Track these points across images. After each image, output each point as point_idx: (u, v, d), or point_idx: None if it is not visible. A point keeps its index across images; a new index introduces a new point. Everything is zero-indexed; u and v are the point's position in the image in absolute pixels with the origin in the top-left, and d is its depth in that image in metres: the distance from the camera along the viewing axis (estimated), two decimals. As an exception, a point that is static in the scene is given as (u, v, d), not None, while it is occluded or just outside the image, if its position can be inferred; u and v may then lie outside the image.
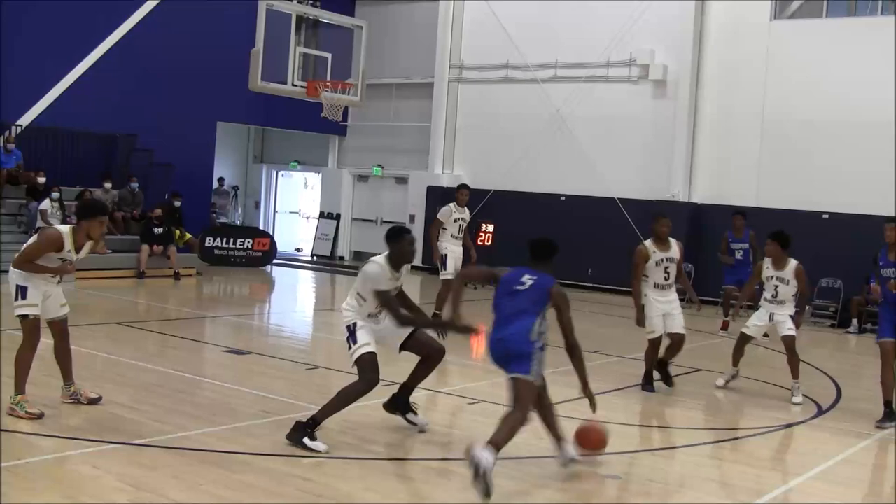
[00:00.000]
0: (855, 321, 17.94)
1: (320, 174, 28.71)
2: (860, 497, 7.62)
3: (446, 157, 25.61)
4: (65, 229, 8.14)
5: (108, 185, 20.48)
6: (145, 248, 19.52)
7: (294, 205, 30.18)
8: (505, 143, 24.36)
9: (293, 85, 18.14)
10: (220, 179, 27.83)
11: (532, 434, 8.61)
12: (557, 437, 7.50)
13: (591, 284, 21.81)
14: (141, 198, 21.03)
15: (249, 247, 23.13)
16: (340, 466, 7.35)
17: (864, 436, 9.33)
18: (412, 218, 25.61)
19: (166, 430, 7.84)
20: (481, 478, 6.38)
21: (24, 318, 8.10)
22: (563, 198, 22.13)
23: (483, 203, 24.09)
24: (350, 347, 8.16)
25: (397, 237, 8.45)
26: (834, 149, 19.93)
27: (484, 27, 24.83)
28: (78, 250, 8.16)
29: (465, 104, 25.45)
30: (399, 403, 8.72)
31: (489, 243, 23.90)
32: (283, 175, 30.27)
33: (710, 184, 21.57)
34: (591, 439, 7.83)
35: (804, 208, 19.67)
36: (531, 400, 7.21)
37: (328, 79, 18.52)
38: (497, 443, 6.73)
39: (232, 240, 23.14)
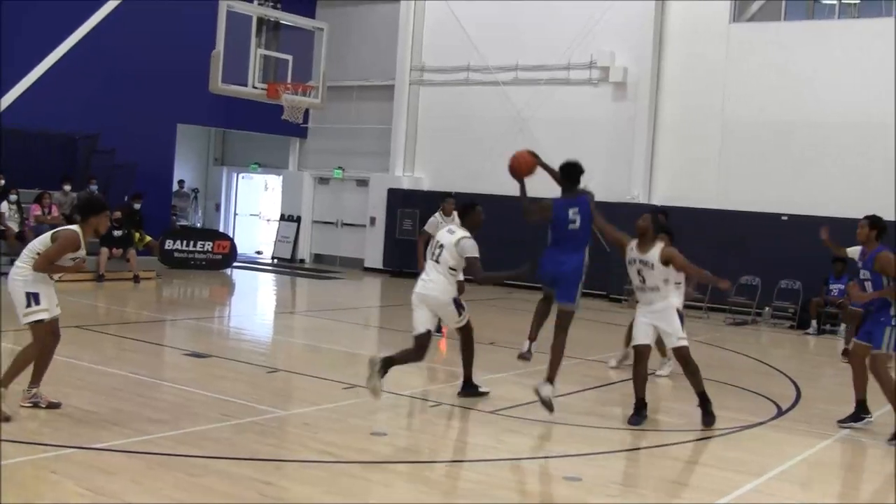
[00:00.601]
0: (814, 322, 18.13)
1: (281, 176, 28.59)
2: (821, 497, 7.68)
3: (407, 160, 25.60)
4: (76, 228, 8.31)
5: (67, 187, 20.27)
6: (104, 250, 19.31)
7: (254, 207, 30.03)
8: (466, 146, 24.39)
9: (254, 87, 18.06)
10: (181, 182, 27.62)
11: (492, 437, 8.63)
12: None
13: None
14: (100, 200, 20.78)
15: (210, 249, 22.96)
16: (301, 470, 7.31)
17: (824, 436, 9.41)
18: (373, 220, 25.58)
19: (126, 434, 7.75)
20: (548, 404, 9.16)
21: (39, 322, 8.22)
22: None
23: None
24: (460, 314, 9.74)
25: (472, 209, 10.07)
26: (793, 151, 20.15)
27: (445, 29, 24.85)
28: (85, 248, 8.38)
29: (426, 106, 25.45)
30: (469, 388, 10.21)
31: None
32: (243, 177, 30.11)
33: (671, 185, 21.71)
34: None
35: (764, 210, 19.86)
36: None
37: (289, 81, 18.46)
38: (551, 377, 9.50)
39: (192, 242, 22.95)
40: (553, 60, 23.03)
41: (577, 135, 22.73)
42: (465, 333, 10.08)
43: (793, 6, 21.24)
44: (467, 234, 9.65)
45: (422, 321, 9.67)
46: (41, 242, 8.36)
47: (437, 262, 9.69)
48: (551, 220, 9.86)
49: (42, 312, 8.22)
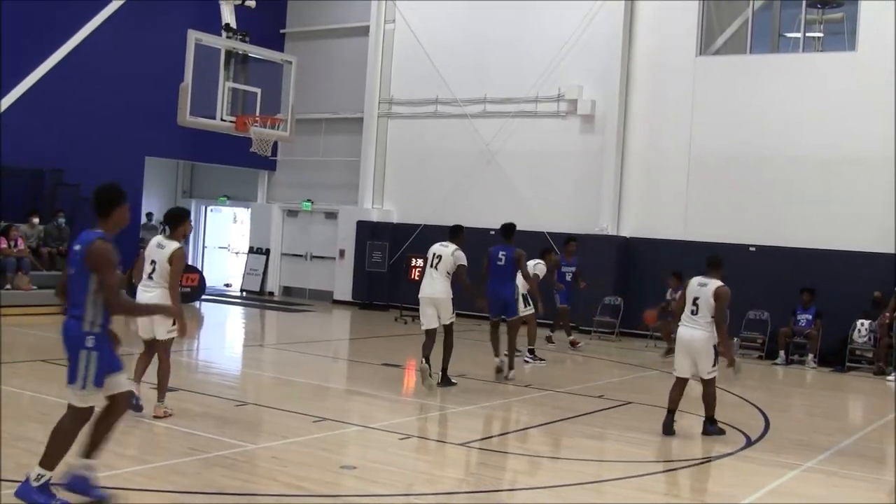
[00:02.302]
0: (782, 353, 18.21)
1: (249, 209, 28.51)
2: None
3: (376, 192, 25.61)
4: (177, 243, 9.95)
5: (35, 220, 20.11)
6: (70, 284, 19.11)
7: (223, 240, 29.90)
8: (435, 178, 24.44)
9: (222, 120, 17.99)
10: (149, 214, 27.47)
11: (462, 470, 8.59)
12: None
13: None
14: (68, 233, 20.63)
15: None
16: (271, 503, 7.25)
17: (792, 466, 9.44)
18: (342, 253, 25.53)
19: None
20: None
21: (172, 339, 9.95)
22: (492, 232, 22.13)
23: (413, 238, 24.12)
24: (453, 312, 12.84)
25: (461, 229, 13.40)
26: (760, 182, 20.29)
27: (413, 62, 24.96)
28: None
29: (394, 139, 25.51)
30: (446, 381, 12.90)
31: (419, 278, 23.85)
32: (211, 210, 30.00)
33: (639, 217, 21.81)
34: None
35: (731, 241, 19.98)
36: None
37: (257, 114, 18.41)
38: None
39: (160, 275, 22.76)
40: (521, 93, 23.17)
41: (546, 167, 22.87)
42: (449, 332, 12.86)
43: (758, 39, 21.49)
44: (457, 247, 13.06)
45: (430, 318, 12.81)
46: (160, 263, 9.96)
47: (436, 269, 12.96)
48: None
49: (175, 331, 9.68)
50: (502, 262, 13.72)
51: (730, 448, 10.08)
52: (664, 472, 9.05)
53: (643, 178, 21.87)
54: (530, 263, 15.38)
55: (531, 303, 15.28)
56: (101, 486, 6.77)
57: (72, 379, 6.57)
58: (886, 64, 19.12)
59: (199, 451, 8.56)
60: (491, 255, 13.86)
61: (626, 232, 21.84)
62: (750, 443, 10.49)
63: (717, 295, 10.40)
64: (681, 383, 10.73)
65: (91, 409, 6.66)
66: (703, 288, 10.55)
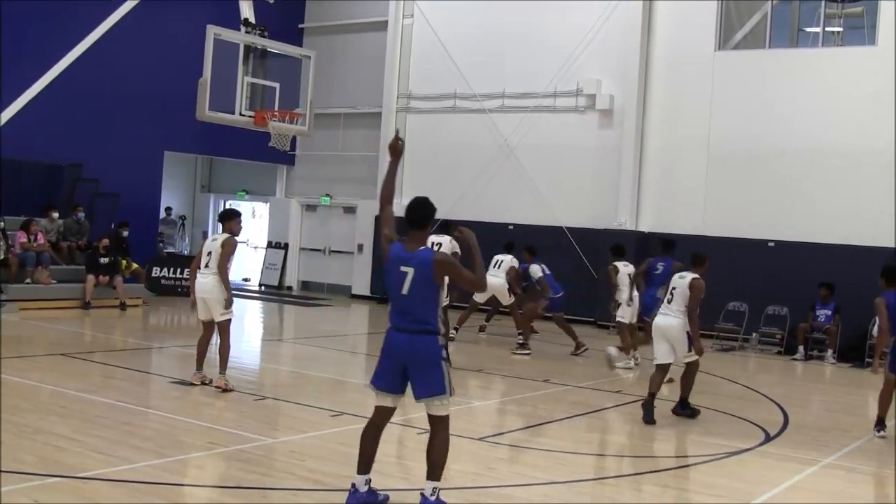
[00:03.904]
0: (801, 348, 18.15)
1: (268, 204, 28.58)
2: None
3: (396, 186, 25.57)
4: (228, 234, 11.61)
5: (54, 214, 20.23)
6: (91, 278, 19.25)
7: (242, 234, 29.80)
8: (453, 173, 24.42)
9: (241, 115, 18.02)
10: (168, 209, 27.60)
11: (479, 464, 8.60)
12: None
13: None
14: (87, 227, 20.77)
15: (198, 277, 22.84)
16: (288, 498, 7.26)
17: (811, 462, 9.40)
18: (360, 248, 25.58)
19: (111, 463, 7.69)
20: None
21: (228, 321, 11.42)
22: (511, 227, 22.20)
23: (431, 232, 24.06)
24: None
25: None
26: (779, 177, 20.19)
27: (432, 57, 24.95)
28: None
29: (412, 133, 25.49)
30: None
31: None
32: (230, 204, 30.07)
33: (658, 212, 21.75)
34: None
35: (750, 236, 19.91)
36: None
37: (276, 108, 18.44)
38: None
39: (179, 269, 22.89)
40: (539, 88, 23.13)
41: (564, 162, 22.82)
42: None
43: (777, 34, 21.37)
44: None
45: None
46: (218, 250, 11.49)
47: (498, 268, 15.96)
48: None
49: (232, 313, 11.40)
50: (659, 272, 14.53)
51: (748, 444, 10.05)
52: (681, 467, 9.03)
53: (661, 173, 21.80)
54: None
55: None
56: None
57: (439, 389, 6.83)
58: (907, 58, 19.01)
59: (218, 445, 8.60)
60: (651, 264, 14.87)
61: (644, 227, 21.77)
62: (769, 438, 10.45)
63: (692, 286, 10.98)
64: (661, 370, 11.19)
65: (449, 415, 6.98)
66: (682, 280, 11.18)
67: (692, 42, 21.45)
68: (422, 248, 6.93)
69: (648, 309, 14.22)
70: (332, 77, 25.30)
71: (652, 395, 10.95)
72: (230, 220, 11.79)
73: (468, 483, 7.96)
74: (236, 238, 11.72)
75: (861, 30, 20.52)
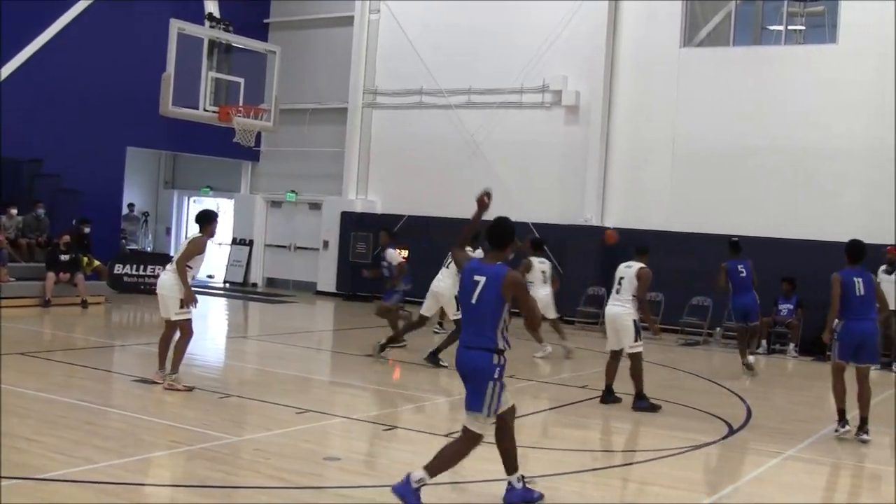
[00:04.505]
0: (764, 342, 18.28)
1: (233, 200, 28.38)
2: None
3: (360, 183, 25.54)
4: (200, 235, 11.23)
5: (13, 210, 19.97)
6: (51, 275, 19.03)
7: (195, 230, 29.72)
8: (419, 169, 24.39)
9: (205, 110, 17.91)
10: (130, 205, 27.35)
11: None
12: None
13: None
14: (47, 224, 20.52)
15: (160, 274, 22.61)
16: (253, 496, 7.21)
17: (773, 454, 9.48)
18: (326, 244, 25.48)
19: (72, 464, 7.59)
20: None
21: (187, 320, 11.14)
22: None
23: (397, 228, 24.06)
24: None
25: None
26: (742, 173, 20.36)
27: (398, 53, 24.89)
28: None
29: (379, 129, 25.44)
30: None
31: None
32: (194, 201, 29.83)
33: (624, 208, 21.84)
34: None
35: (714, 231, 20.02)
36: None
37: (241, 104, 18.34)
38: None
39: (142, 267, 22.71)
40: (506, 84, 23.14)
41: (531, 158, 22.85)
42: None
43: (741, 32, 21.54)
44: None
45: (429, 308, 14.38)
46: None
47: (447, 267, 14.11)
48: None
49: (190, 313, 11.20)
50: (744, 275, 15.15)
51: (712, 437, 10.10)
52: (647, 461, 9.06)
53: (627, 169, 21.89)
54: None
55: None
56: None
57: (477, 406, 6.84)
58: (867, 56, 19.28)
59: (181, 443, 8.52)
60: (730, 268, 15.28)
61: (610, 222, 21.80)
62: (732, 432, 10.51)
63: (639, 276, 11.42)
64: (614, 357, 11.59)
65: (482, 436, 6.96)
66: (628, 269, 11.58)
67: (657, 39, 21.56)
68: (499, 263, 7.05)
69: (754, 312, 15.13)
70: (298, 72, 25.16)
71: (608, 385, 11.49)
72: (209, 222, 11.49)
73: (435, 479, 7.93)
74: (204, 238, 11.39)
75: (823, 28, 20.76)
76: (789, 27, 21.15)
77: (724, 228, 20.06)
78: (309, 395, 11.93)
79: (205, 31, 17.63)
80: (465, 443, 6.97)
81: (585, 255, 21.06)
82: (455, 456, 6.99)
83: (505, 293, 6.82)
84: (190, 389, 10.87)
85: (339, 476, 7.95)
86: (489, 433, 7.01)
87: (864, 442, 10.06)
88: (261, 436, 9.10)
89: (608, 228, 17.72)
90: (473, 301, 6.91)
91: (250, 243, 27.46)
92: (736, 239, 16.05)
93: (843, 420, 10.24)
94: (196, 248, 11.25)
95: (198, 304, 11.43)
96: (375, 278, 16.45)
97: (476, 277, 6.94)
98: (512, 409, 7.20)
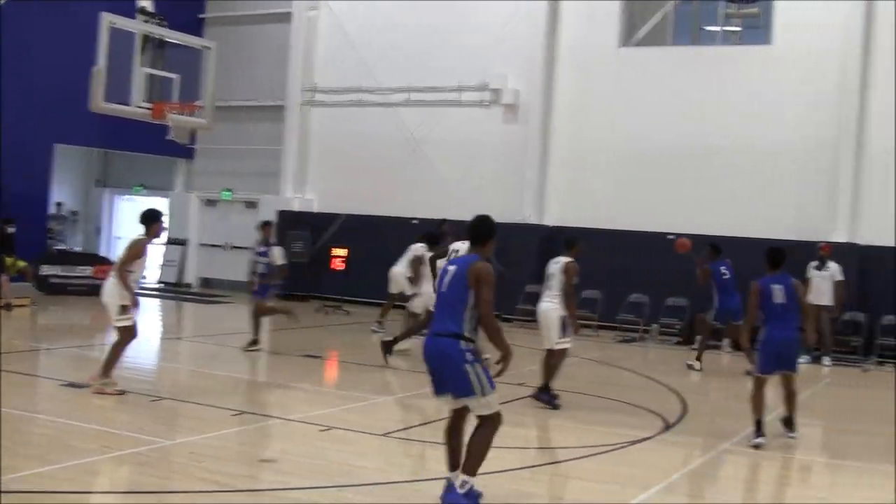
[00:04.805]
0: (699, 338, 18.40)
1: (167, 199, 27.92)
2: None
3: (298, 182, 25.31)
4: (142, 237, 10.96)
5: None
6: (-26, 277, 18.50)
7: (139, 230, 29.21)
8: (358, 167, 24.24)
9: (138, 107, 17.60)
10: (59, 204, 26.80)
11: (382, 460, 8.49)
12: None
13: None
14: (-28, 223, 19.98)
15: (90, 274, 22.21)
16: (187, 500, 7.06)
17: (708, 448, 9.58)
18: (263, 243, 25.18)
19: (-3, 471, 7.35)
20: None
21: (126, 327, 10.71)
22: (415, 221, 22.06)
23: (335, 227, 23.93)
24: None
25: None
26: (680, 172, 20.54)
27: (337, 50, 24.71)
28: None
29: (317, 127, 25.22)
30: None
31: (342, 268, 23.72)
32: (126, 200, 29.33)
33: (563, 206, 21.89)
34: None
35: (651, 229, 20.17)
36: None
37: (175, 100, 18.06)
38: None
39: (70, 267, 22.23)
40: (446, 82, 23.07)
41: (470, 156, 22.82)
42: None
43: (679, 32, 21.77)
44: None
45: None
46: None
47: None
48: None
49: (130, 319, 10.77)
50: (727, 276, 15.64)
51: (649, 432, 10.16)
52: (584, 457, 9.05)
53: (567, 168, 21.97)
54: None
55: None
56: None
57: (467, 391, 6.85)
58: (801, 57, 19.57)
59: (112, 448, 8.32)
60: (714, 271, 15.76)
61: (549, 221, 21.89)
62: (668, 426, 10.60)
63: (565, 269, 11.38)
64: (549, 354, 11.52)
65: (500, 413, 7.01)
66: (556, 265, 11.59)
67: (596, 38, 21.68)
68: (473, 255, 7.13)
69: (739, 313, 14.76)
70: (234, 69, 24.85)
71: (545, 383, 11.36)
72: (153, 222, 11.20)
73: (373, 479, 7.86)
74: (146, 240, 11.09)
75: (758, 29, 21.05)
76: (726, 28, 21.45)
77: (662, 227, 20.26)
78: (244, 396, 11.77)
79: (137, 26, 17.33)
80: (489, 428, 6.96)
81: (524, 254, 21.07)
82: (485, 446, 6.96)
83: (469, 278, 6.84)
84: (121, 393, 10.58)
85: (275, 478, 7.82)
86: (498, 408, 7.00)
87: (792, 438, 10.07)
88: (195, 439, 8.93)
89: (679, 237, 17.27)
90: (444, 289, 7.00)
91: (185, 242, 27.07)
92: (716, 243, 16.22)
93: (759, 431, 9.77)
94: (136, 252, 10.93)
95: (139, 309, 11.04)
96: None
97: (450, 268, 7.06)
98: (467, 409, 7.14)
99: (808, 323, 10.39)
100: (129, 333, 10.87)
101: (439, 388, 7.02)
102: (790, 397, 10.13)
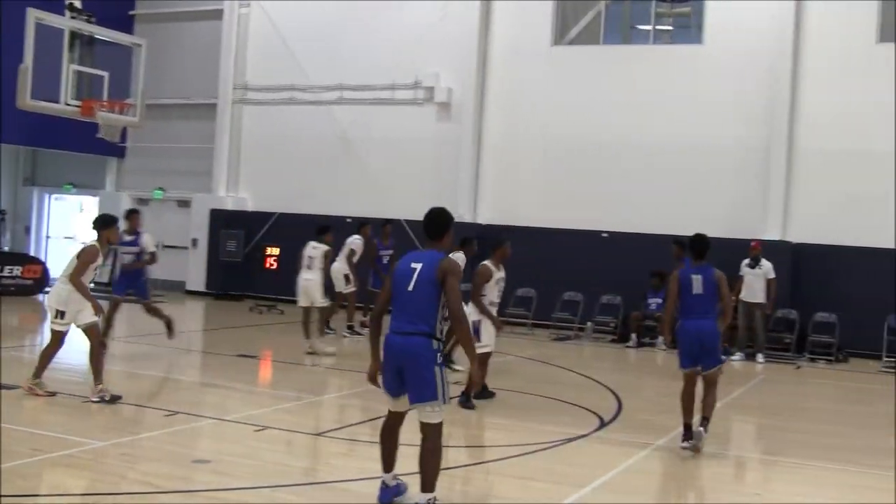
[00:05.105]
0: (634, 336, 18.65)
1: (97, 197, 27.50)
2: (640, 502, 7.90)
3: (230, 180, 25.10)
4: (95, 243, 10.59)
5: None
6: None
7: (69, 230, 28.79)
8: (291, 166, 24.12)
9: (67, 104, 17.31)
10: (-14, 204, 26.25)
11: (317, 460, 8.46)
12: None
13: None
14: None
15: (18, 274, 21.81)
16: (120, 501, 6.96)
17: (643, 446, 9.66)
18: (195, 242, 24.94)
19: (-80, 476, 7.20)
20: None
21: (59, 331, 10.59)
22: (349, 220, 22.00)
23: (269, 226, 23.79)
24: None
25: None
26: (612, 170, 20.72)
27: (268, 48, 24.54)
28: (103, 256, 10.66)
29: (249, 126, 25.03)
30: None
31: (275, 266, 23.56)
32: (56, 198, 28.83)
33: (496, 204, 21.99)
34: None
35: (585, 228, 20.33)
36: None
37: (105, 98, 17.79)
38: None
39: (-2, 267, 21.82)
40: (378, 80, 23.04)
41: (403, 154, 22.82)
42: None
43: (611, 31, 21.94)
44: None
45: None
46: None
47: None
48: None
49: (66, 325, 10.60)
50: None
51: (584, 430, 10.25)
52: (519, 455, 9.10)
53: (500, 166, 22.06)
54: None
55: (351, 281, 17.53)
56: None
57: (431, 395, 6.74)
58: (732, 57, 19.85)
59: (42, 451, 8.17)
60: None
61: (482, 219, 21.97)
62: (603, 424, 10.69)
63: (475, 272, 11.41)
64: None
65: (441, 423, 6.92)
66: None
67: (529, 37, 21.78)
68: (435, 250, 7.03)
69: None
70: (165, 67, 24.57)
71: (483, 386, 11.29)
72: (107, 228, 10.85)
73: (307, 479, 7.83)
74: (96, 248, 10.66)
75: (689, 29, 21.30)
76: (658, 27, 21.65)
77: (594, 224, 20.45)
78: (178, 396, 11.65)
79: (65, 22, 17.04)
80: (435, 438, 6.86)
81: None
82: (437, 458, 6.90)
83: (438, 276, 6.77)
84: (52, 394, 10.44)
85: (209, 479, 7.76)
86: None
87: (701, 437, 9.50)
88: (127, 440, 8.83)
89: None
90: (410, 288, 6.84)
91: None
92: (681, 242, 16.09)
93: (686, 434, 9.49)
94: (90, 257, 10.56)
95: (67, 322, 10.67)
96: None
97: (413, 265, 6.90)
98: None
99: (725, 317, 9.97)
100: (58, 338, 10.75)
101: (397, 389, 6.91)
102: (709, 399, 9.66)
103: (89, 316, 10.63)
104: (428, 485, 6.84)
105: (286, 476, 7.93)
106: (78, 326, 10.64)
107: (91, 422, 9.64)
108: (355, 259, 17.80)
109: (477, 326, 11.05)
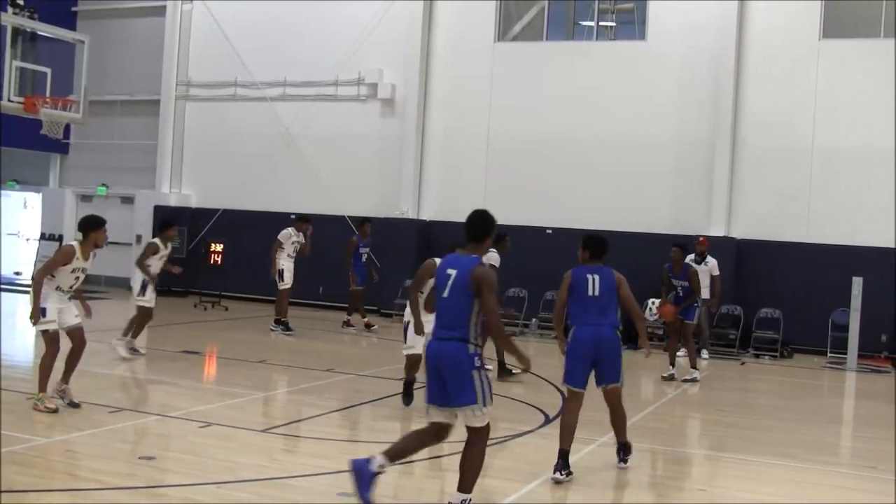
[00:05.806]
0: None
1: (41, 194, 27.23)
2: (587, 498, 8.02)
3: (174, 176, 24.97)
4: (75, 244, 10.19)
5: None
6: None
7: (12, 226, 28.43)
8: (235, 162, 24.06)
9: (9, 100, 17.15)
10: (-74, 202, 25.83)
11: (264, 456, 8.52)
12: None
13: (321, 303, 21.88)
14: None
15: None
16: (65, 499, 7.00)
17: (587, 441, 9.77)
18: (139, 238, 24.75)
19: None
20: None
21: (45, 332, 9.98)
22: (292, 216, 21.99)
23: (212, 223, 23.70)
24: None
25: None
26: (556, 166, 20.91)
27: (211, 44, 24.43)
28: (86, 258, 10.27)
29: (192, 122, 24.92)
30: None
31: (219, 263, 23.47)
32: (-1, 195, 28.47)
33: (439, 201, 22.10)
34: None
35: (529, 224, 20.49)
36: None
37: (48, 94, 17.64)
38: None
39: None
40: (321, 76, 23.05)
41: (347, 151, 22.86)
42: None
43: (554, 27, 22.11)
44: None
45: None
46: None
47: None
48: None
49: (48, 324, 10.01)
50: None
51: (529, 426, 10.38)
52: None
53: (443, 162, 22.17)
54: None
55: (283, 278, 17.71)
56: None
57: (471, 399, 6.76)
58: (676, 54, 20.10)
59: (-15, 449, 8.16)
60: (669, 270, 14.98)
61: (426, 216, 22.08)
62: (548, 420, 10.83)
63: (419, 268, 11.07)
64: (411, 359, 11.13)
65: (488, 427, 7.00)
66: None
67: (472, 33, 21.89)
68: (473, 255, 7.03)
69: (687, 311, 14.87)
70: (108, 63, 24.40)
71: (409, 383, 11.20)
72: (95, 230, 10.32)
73: (253, 475, 7.89)
74: (72, 249, 10.19)
75: (632, 25, 21.53)
76: (601, 23, 21.86)
77: (538, 220, 20.63)
78: (122, 393, 11.64)
79: (8, 18, 16.86)
80: (479, 442, 6.93)
81: (401, 248, 21.24)
82: (478, 461, 6.98)
83: (471, 283, 6.78)
84: (77, 406, 10.08)
85: (153, 475, 7.81)
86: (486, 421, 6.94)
87: (623, 469, 8.91)
88: (72, 436, 8.83)
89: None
90: (445, 294, 6.90)
91: (60, 238, 26.35)
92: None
93: (561, 464, 8.31)
94: (61, 259, 10.13)
95: (49, 320, 10.10)
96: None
97: (449, 271, 6.95)
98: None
99: (637, 324, 9.31)
100: (50, 342, 10.12)
101: (441, 399, 6.89)
102: (618, 419, 8.84)
103: (72, 318, 10.41)
104: (468, 485, 6.94)
105: (231, 472, 7.98)
106: (62, 328, 10.23)
107: (35, 418, 9.61)
108: (284, 253, 18.01)
109: (406, 328, 11.15)
